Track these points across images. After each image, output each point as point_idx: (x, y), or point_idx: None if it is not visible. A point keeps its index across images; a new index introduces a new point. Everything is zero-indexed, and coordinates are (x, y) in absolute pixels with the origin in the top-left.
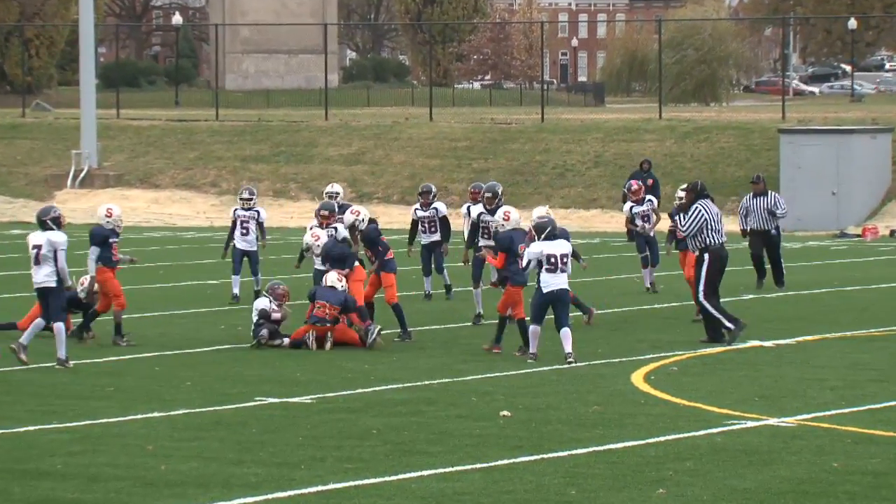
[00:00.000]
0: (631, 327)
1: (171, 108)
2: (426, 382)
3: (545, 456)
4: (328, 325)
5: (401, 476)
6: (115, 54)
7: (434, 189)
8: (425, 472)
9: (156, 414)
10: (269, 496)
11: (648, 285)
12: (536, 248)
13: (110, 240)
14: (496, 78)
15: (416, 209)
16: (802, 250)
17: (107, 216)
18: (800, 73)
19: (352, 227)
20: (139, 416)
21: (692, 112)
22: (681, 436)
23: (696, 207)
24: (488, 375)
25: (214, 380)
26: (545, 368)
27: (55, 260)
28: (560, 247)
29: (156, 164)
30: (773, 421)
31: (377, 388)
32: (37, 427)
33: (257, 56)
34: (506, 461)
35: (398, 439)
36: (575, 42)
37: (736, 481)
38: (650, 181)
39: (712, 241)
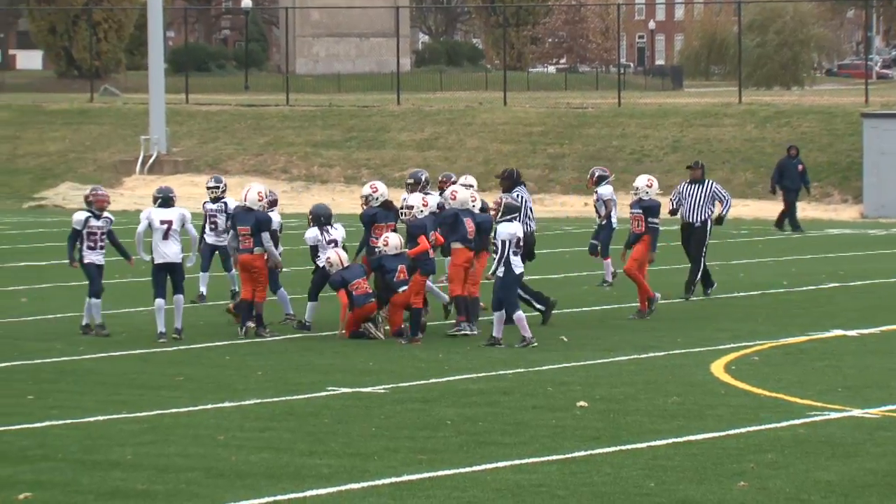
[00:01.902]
0: (711, 316)
1: (240, 92)
2: (501, 372)
3: (623, 447)
4: (373, 300)
5: (476, 468)
6: (184, 38)
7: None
8: (501, 464)
9: (226, 404)
10: (342, 488)
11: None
12: (512, 229)
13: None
14: (571, 61)
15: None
16: (887, 238)
17: (258, 199)
18: (883, 56)
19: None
20: (210, 406)
21: (773, 96)
22: (762, 427)
23: (518, 195)
24: (565, 365)
25: (286, 369)
26: (623, 358)
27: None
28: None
29: (225, 149)
30: (856, 412)
31: (451, 378)
32: (106, 417)
33: (328, 40)
34: (583, 452)
35: (473, 430)
36: (652, 24)
37: (819, 474)
38: (800, 167)
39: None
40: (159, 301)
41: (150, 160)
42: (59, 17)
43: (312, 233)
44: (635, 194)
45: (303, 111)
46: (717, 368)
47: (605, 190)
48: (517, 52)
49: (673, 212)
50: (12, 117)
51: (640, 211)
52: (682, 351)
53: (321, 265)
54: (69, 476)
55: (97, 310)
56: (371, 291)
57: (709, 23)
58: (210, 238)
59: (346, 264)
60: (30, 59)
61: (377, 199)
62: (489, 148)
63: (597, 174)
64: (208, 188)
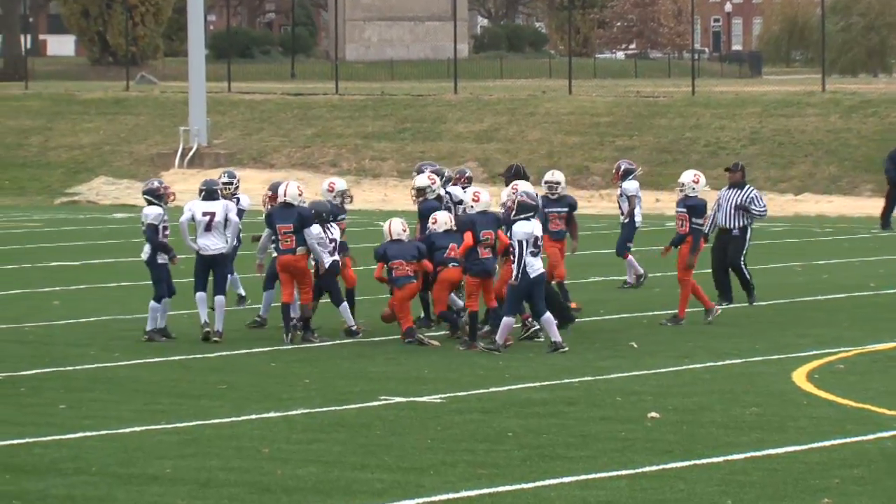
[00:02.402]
0: (792, 321)
1: (286, 80)
2: (566, 381)
3: (697, 462)
4: (414, 281)
5: (539, 483)
6: (226, 22)
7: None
8: (566, 479)
9: (272, 414)
10: None
11: None
12: (528, 229)
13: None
14: (641, 47)
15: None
16: None
17: (299, 194)
18: None
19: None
20: (254, 417)
21: (859, 84)
22: (848, 440)
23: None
24: (635, 373)
25: (335, 377)
26: (697, 366)
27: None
28: (539, 228)
29: (270, 141)
30: None
31: (513, 387)
32: (143, 428)
33: (380, 24)
34: (654, 467)
35: (536, 443)
36: (729, 7)
37: None
38: None
39: None
40: (200, 294)
41: (190, 153)
42: (92, 0)
43: (315, 230)
44: (681, 191)
45: (353, 100)
46: (799, 377)
47: (631, 185)
48: (583, 37)
49: (705, 237)
50: (43, 107)
51: (685, 210)
52: (762, 358)
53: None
54: (104, 491)
55: (164, 312)
56: (413, 274)
57: (789, 5)
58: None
59: (396, 236)
60: (61, 45)
61: (434, 191)
62: (553, 140)
63: (623, 167)
64: (223, 184)
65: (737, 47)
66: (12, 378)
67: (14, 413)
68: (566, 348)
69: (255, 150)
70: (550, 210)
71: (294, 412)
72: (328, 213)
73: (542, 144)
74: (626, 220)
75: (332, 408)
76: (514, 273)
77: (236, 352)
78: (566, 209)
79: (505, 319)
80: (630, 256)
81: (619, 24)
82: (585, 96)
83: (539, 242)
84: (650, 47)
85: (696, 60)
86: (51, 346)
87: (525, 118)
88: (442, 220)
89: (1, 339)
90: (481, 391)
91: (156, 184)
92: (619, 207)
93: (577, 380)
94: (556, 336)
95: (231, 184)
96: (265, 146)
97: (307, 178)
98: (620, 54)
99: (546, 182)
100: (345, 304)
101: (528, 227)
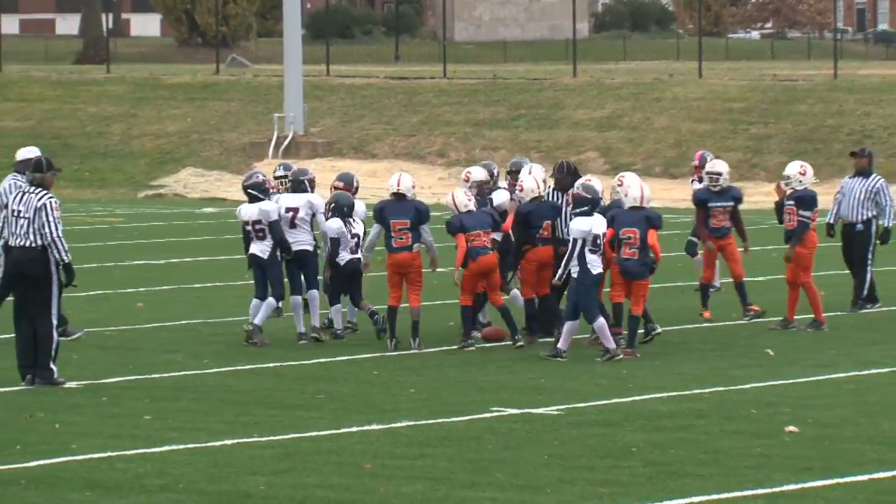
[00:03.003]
0: None
1: (390, 63)
2: (696, 391)
3: (840, 480)
4: (490, 252)
5: (666, 503)
6: (325, 0)
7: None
8: (695, 499)
9: (374, 427)
10: None
11: None
12: (585, 225)
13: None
14: (778, 25)
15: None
16: None
17: (412, 186)
18: None
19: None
20: (354, 429)
21: None
22: None
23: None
24: (771, 383)
25: (443, 386)
26: (840, 375)
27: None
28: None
29: (372, 129)
30: None
31: (637, 398)
32: (235, 441)
33: (492, 1)
34: (792, 486)
35: (663, 459)
36: None
37: None
38: None
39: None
40: (295, 298)
41: (285, 142)
42: None
43: (335, 223)
44: (787, 184)
45: (462, 85)
46: None
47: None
48: (714, 15)
49: (830, 226)
50: (126, 92)
51: (793, 203)
52: None
53: (340, 262)
54: None
55: (268, 313)
56: (490, 245)
57: None
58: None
59: (464, 209)
60: (146, 25)
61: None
62: (681, 128)
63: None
64: (276, 178)
65: (883, 26)
66: (93, 386)
67: (95, 424)
68: (564, 358)
69: (356, 139)
70: (714, 204)
71: (398, 424)
72: (349, 206)
73: (669, 133)
74: None
75: (440, 420)
76: (561, 272)
77: (336, 359)
78: (731, 203)
79: (569, 324)
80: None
81: (753, 0)
82: (717, 80)
83: (599, 241)
84: (788, 26)
85: (839, 40)
86: (134, 351)
87: (650, 104)
88: (529, 187)
89: (81, 344)
90: (602, 402)
91: (261, 177)
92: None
93: (707, 390)
94: (565, 344)
95: (285, 177)
96: (366, 135)
97: (412, 170)
98: (755, 34)
99: (707, 173)
100: (338, 306)
101: (584, 224)
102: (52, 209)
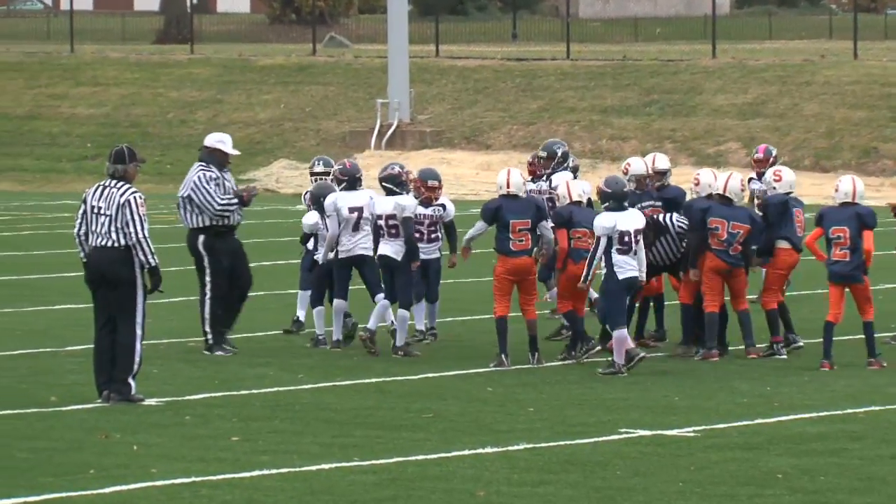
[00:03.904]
0: None
1: (506, 42)
2: (849, 411)
3: None
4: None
5: None
6: None
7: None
8: None
9: (488, 449)
10: None
11: None
12: (609, 221)
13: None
14: None
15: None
16: None
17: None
18: None
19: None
20: (466, 452)
21: None
22: None
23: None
24: None
25: (565, 405)
26: None
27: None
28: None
29: (486, 117)
30: None
31: (782, 418)
32: (333, 465)
33: None
34: None
35: (812, 486)
36: None
37: None
38: None
39: None
40: (339, 302)
41: (389, 131)
42: None
43: (313, 218)
44: None
45: (588, 67)
46: None
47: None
48: None
49: None
50: (213, 75)
51: None
52: None
53: (319, 260)
54: None
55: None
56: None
57: None
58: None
59: (576, 198)
60: (235, 0)
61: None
62: (834, 115)
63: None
64: (314, 174)
65: None
66: (176, 403)
67: (177, 446)
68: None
69: (468, 127)
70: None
71: (515, 447)
72: (322, 198)
73: (821, 120)
74: None
75: (562, 442)
76: (586, 273)
77: (444, 373)
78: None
79: (616, 334)
80: None
81: None
82: (874, 61)
83: (627, 238)
84: None
85: None
86: (221, 364)
87: (799, 88)
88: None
89: (163, 357)
90: (744, 423)
91: (396, 169)
92: None
93: (862, 410)
94: (621, 358)
95: (327, 174)
96: (480, 123)
97: None
98: None
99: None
100: (339, 303)
101: (608, 220)
102: (137, 205)
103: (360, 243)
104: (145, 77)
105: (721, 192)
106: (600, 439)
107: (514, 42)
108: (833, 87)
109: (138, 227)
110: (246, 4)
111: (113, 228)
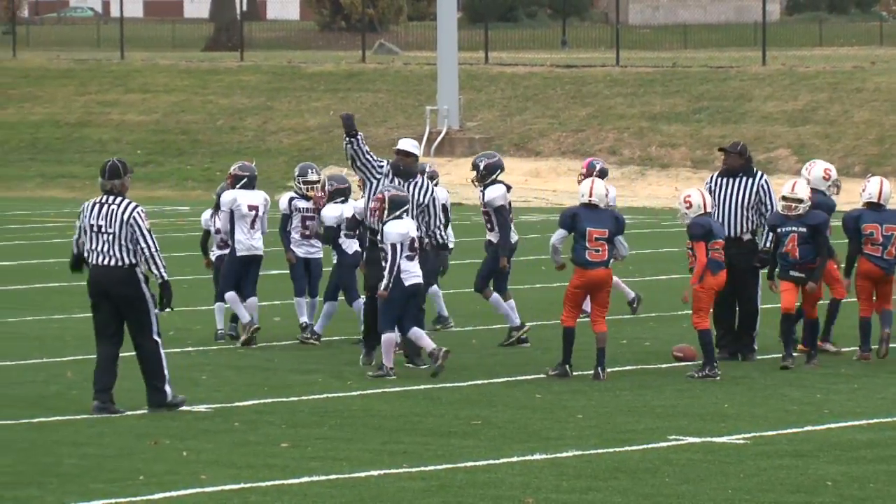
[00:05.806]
0: None
1: (556, 49)
2: None
3: None
4: (725, 269)
5: None
6: None
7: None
8: None
9: (537, 456)
10: None
11: None
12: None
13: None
14: None
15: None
16: None
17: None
18: None
19: None
20: (515, 459)
21: None
22: None
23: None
24: None
25: (614, 411)
26: None
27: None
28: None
29: (536, 124)
30: None
31: (832, 426)
32: (381, 472)
33: None
34: None
35: (861, 494)
36: None
37: None
38: None
39: None
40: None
41: (438, 138)
42: None
43: (335, 211)
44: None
45: (637, 74)
46: None
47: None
48: None
49: None
50: (261, 82)
51: None
52: None
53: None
54: None
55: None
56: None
57: None
58: (301, 249)
59: (709, 208)
60: (284, 8)
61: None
62: (884, 122)
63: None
64: (307, 182)
65: None
66: (225, 410)
67: (226, 453)
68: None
69: (517, 134)
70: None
71: (564, 454)
72: (217, 196)
73: (872, 127)
74: None
75: (611, 449)
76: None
77: (493, 380)
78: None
79: (385, 337)
80: None
81: None
82: None
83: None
84: None
85: None
86: (270, 371)
87: (850, 95)
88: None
89: (212, 363)
90: (793, 430)
91: (428, 167)
92: None
93: None
94: (389, 362)
95: (319, 181)
96: (529, 130)
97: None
98: None
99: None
100: (332, 303)
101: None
102: (143, 220)
103: (257, 242)
104: (195, 84)
105: (875, 199)
106: (649, 446)
107: (564, 49)
108: (884, 93)
109: (150, 243)
110: (296, 12)
111: (117, 246)
